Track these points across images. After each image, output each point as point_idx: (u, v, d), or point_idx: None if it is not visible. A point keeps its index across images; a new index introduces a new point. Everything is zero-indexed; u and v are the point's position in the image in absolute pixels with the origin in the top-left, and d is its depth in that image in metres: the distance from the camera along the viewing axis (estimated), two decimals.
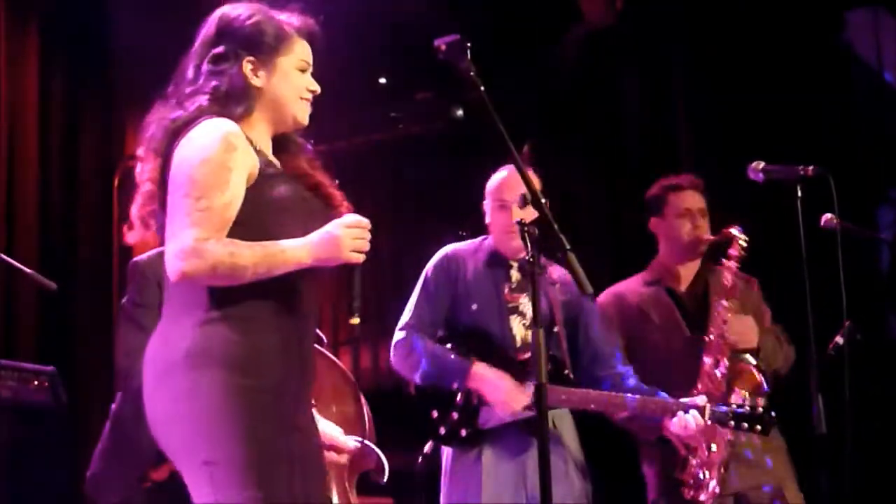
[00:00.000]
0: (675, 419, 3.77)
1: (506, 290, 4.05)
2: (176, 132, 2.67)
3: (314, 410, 3.11)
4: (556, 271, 4.02)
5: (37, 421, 4.75)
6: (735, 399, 3.97)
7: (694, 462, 4.03)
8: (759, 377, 4.04)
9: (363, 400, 4.05)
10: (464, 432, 3.95)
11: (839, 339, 4.12)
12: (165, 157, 2.67)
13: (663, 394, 3.91)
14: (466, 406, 3.95)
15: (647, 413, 3.87)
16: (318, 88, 2.85)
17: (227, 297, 2.60)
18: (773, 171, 4.08)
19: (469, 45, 2.81)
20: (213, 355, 2.56)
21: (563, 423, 3.99)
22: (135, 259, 4.05)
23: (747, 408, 3.81)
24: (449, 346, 4.01)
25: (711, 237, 4.31)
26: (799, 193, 3.97)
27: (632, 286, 4.46)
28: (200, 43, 2.80)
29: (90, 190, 6.25)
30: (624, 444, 4.45)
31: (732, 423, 3.81)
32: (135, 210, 2.75)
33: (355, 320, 2.73)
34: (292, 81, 2.81)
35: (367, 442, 3.92)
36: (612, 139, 6.68)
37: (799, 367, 4.19)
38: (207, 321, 2.60)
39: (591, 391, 3.89)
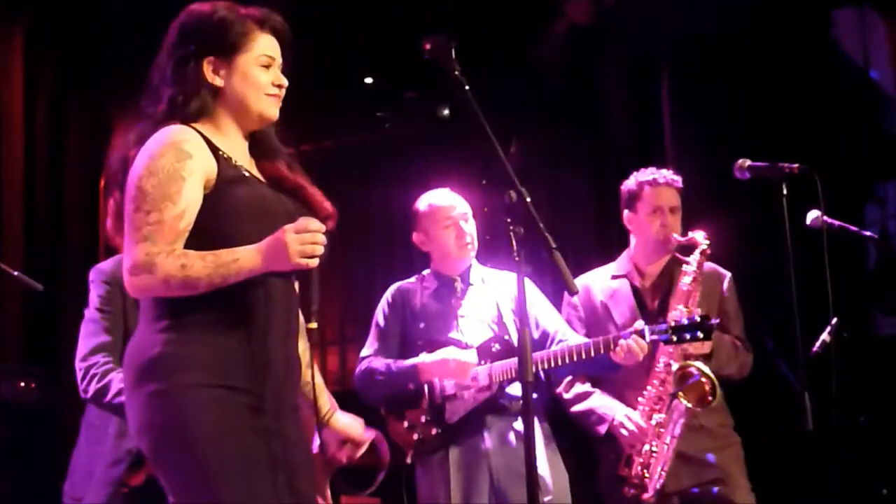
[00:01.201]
0: (617, 349, 3.78)
1: (452, 301, 4.20)
2: (137, 142, 2.67)
3: (329, 408, 3.08)
4: (502, 278, 4.23)
5: (23, 420, 4.75)
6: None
7: (638, 460, 4.06)
8: (707, 387, 4.03)
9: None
10: (434, 431, 4.05)
11: (826, 337, 4.13)
12: (125, 170, 2.66)
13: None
14: (431, 405, 4.08)
15: (595, 351, 3.85)
16: (284, 82, 2.82)
17: (192, 303, 2.58)
18: (759, 168, 4.09)
19: (455, 44, 2.80)
20: (179, 362, 2.56)
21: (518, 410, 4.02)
22: (97, 266, 4.06)
23: (684, 320, 3.79)
24: (392, 360, 4.18)
25: (679, 238, 4.28)
26: (784, 191, 3.97)
27: (599, 278, 4.46)
28: (166, 47, 2.80)
29: (76, 190, 6.24)
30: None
31: (675, 337, 3.79)
32: (109, 224, 2.75)
33: (312, 325, 2.71)
34: (253, 78, 2.76)
35: (376, 435, 3.92)
36: (597, 137, 6.69)
37: (786, 364, 4.19)
38: (172, 328, 2.59)
39: (541, 353, 3.95)
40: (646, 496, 4.05)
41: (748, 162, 4.11)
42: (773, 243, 4.14)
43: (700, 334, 3.78)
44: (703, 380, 4.01)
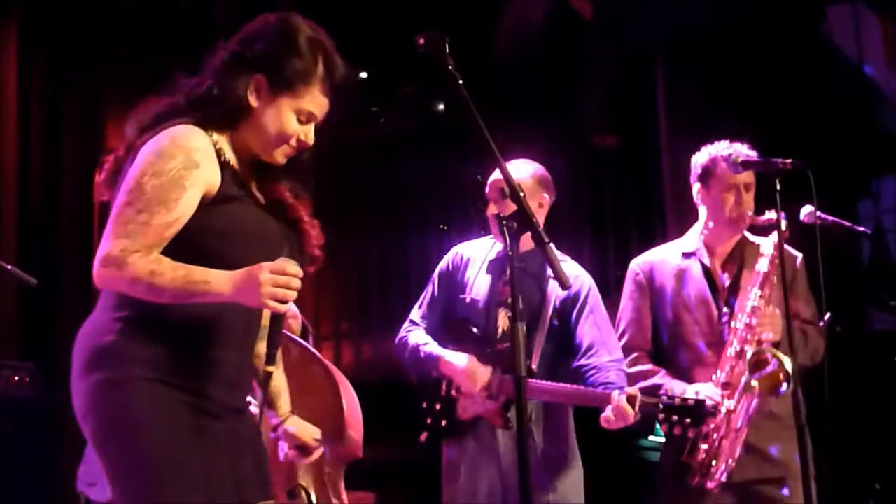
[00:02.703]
0: (603, 413, 3.77)
1: (500, 284, 4.10)
2: (145, 129, 2.61)
3: (287, 411, 3.08)
4: (567, 267, 4.03)
5: (17, 416, 4.75)
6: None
7: (703, 447, 4.00)
8: (781, 377, 3.95)
9: (346, 393, 4.06)
10: (444, 422, 4.05)
11: None
12: (131, 152, 2.61)
13: (613, 389, 3.87)
14: (447, 397, 4.06)
15: (588, 403, 3.84)
16: (309, 143, 2.73)
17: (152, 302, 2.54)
18: (752, 163, 4.07)
19: (448, 39, 2.80)
20: (129, 354, 2.53)
21: (540, 415, 4.00)
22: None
23: (677, 400, 3.75)
24: (428, 339, 4.13)
25: (755, 218, 4.13)
26: (778, 186, 3.96)
27: (668, 256, 4.31)
28: (242, 33, 2.70)
29: (71, 185, 6.24)
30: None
31: (662, 414, 3.76)
32: (102, 177, 2.70)
33: (270, 368, 2.64)
34: (284, 123, 2.67)
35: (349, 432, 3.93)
36: (591, 129, 6.71)
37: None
38: (129, 319, 2.56)
39: (541, 383, 3.90)
40: (710, 485, 3.96)
41: (741, 157, 4.10)
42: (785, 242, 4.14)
43: (688, 421, 3.73)
44: (778, 368, 3.94)
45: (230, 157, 2.65)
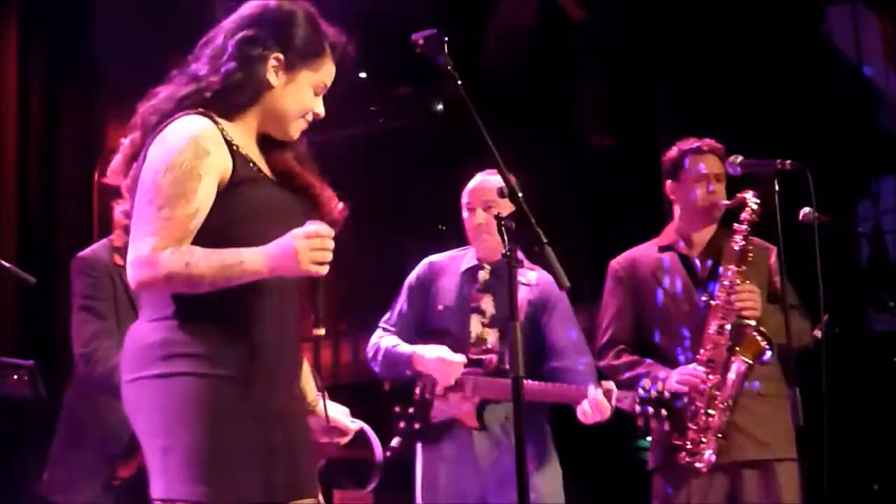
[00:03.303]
0: (579, 407, 3.80)
1: (472, 292, 4.16)
2: (165, 117, 2.61)
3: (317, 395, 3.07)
4: (529, 273, 4.14)
5: (16, 415, 4.74)
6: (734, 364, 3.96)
7: (692, 427, 4.03)
8: (763, 343, 4.00)
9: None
10: (417, 425, 4.07)
11: (817, 333, 4.14)
12: (147, 141, 2.61)
13: (589, 384, 3.89)
14: (421, 401, 4.09)
15: (564, 400, 3.87)
16: (322, 114, 2.77)
17: (199, 297, 2.54)
18: (751, 164, 4.09)
19: (446, 39, 2.80)
20: (182, 347, 2.53)
21: (511, 415, 4.01)
22: (79, 254, 4.03)
23: (653, 393, 3.78)
24: (400, 341, 4.17)
25: (727, 202, 4.22)
26: (776, 187, 3.97)
27: (646, 251, 4.39)
28: (239, 18, 2.71)
29: (70, 181, 6.23)
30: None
31: (638, 407, 3.79)
32: (123, 182, 2.69)
33: (320, 331, 2.67)
34: (303, 98, 2.72)
35: (366, 428, 3.93)
36: (588, 129, 6.71)
37: (777, 360, 4.18)
38: (176, 315, 2.57)
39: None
40: (700, 465, 4.00)
41: (740, 157, 4.11)
42: (766, 239, 4.15)
43: (664, 412, 3.78)
44: (758, 335, 3.99)
45: (238, 140, 2.65)
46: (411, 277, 4.28)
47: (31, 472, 4.74)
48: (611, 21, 6.53)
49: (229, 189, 2.59)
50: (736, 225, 4.17)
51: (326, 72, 2.76)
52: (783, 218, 3.99)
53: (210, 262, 2.49)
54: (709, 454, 3.98)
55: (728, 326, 4.04)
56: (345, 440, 3.12)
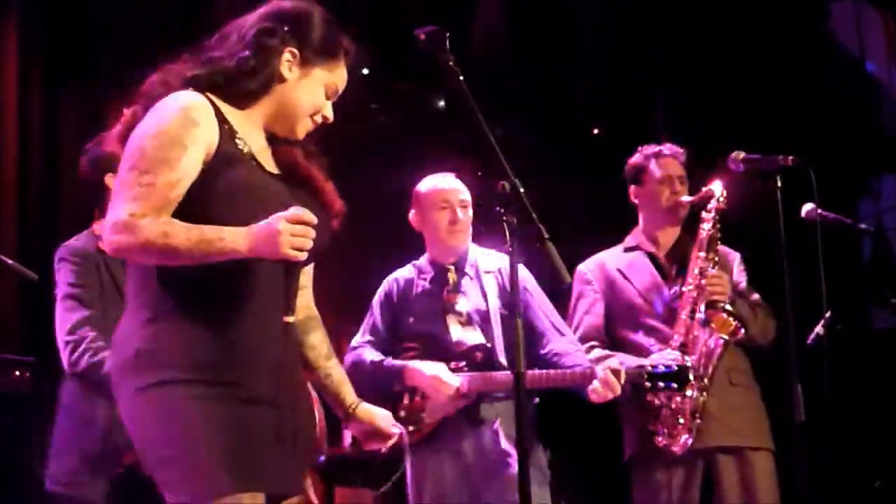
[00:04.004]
0: (590, 387, 3.82)
1: (444, 294, 4.18)
2: (167, 94, 2.58)
3: (354, 399, 3.04)
4: (494, 260, 4.19)
5: (18, 411, 4.74)
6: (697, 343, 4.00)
7: (666, 412, 4.06)
8: (735, 322, 4.05)
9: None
10: (411, 428, 4.02)
11: (819, 330, 4.14)
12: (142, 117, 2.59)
13: (593, 365, 3.92)
14: (411, 404, 4.07)
15: (570, 384, 3.90)
16: (331, 118, 2.77)
17: (176, 291, 2.53)
18: (753, 161, 4.09)
19: (449, 34, 2.80)
20: (160, 358, 2.50)
21: (506, 413, 4.01)
22: (65, 244, 4.03)
23: (661, 367, 3.83)
24: (384, 357, 4.16)
25: (691, 198, 4.30)
26: (779, 184, 3.97)
27: (612, 253, 4.48)
28: (258, 14, 2.71)
29: (70, 181, 6.22)
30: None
31: (648, 382, 3.85)
32: (117, 131, 2.66)
33: (290, 319, 2.66)
34: (315, 95, 2.71)
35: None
36: (589, 128, 6.70)
37: (779, 357, 4.19)
38: (154, 320, 2.53)
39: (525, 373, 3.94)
40: (676, 448, 4.04)
41: (742, 154, 4.11)
42: (768, 236, 4.14)
43: (675, 385, 3.84)
44: (730, 316, 4.05)
45: (236, 124, 2.64)
46: (379, 295, 4.29)
47: (34, 468, 4.74)
48: (610, 19, 6.52)
49: (212, 164, 2.56)
50: (703, 213, 4.24)
51: (339, 75, 2.76)
52: (785, 215, 3.99)
53: (189, 234, 2.45)
54: (685, 438, 4.03)
55: (700, 310, 4.09)
56: (388, 444, 3.10)
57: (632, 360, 4.09)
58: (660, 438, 4.07)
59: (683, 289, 4.16)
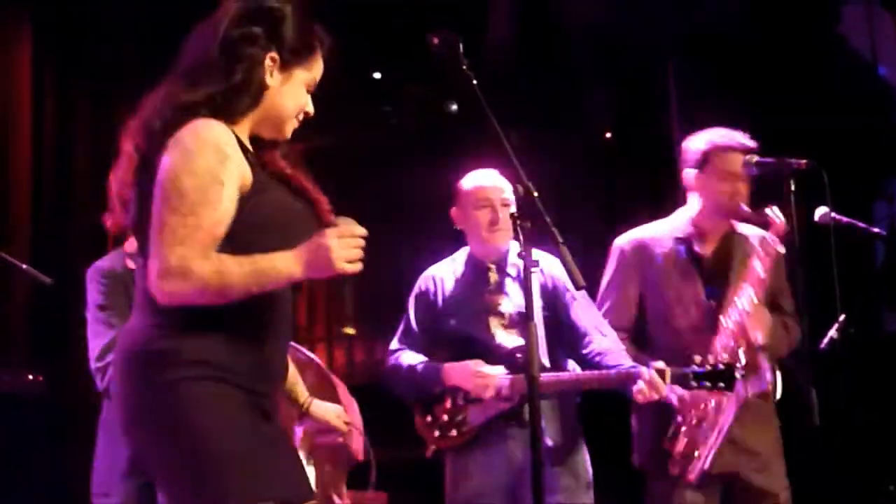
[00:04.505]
0: (635, 387, 3.76)
1: (484, 294, 4.10)
2: (169, 123, 2.50)
3: (307, 397, 3.06)
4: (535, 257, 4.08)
5: (29, 416, 4.75)
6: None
7: (684, 439, 4.00)
8: (766, 383, 4.01)
9: (343, 395, 4.06)
10: (454, 432, 4.00)
11: (833, 333, 4.12)
12: (154, 146, 2.50)
13: (638, 365, 3.85)
14: (454, 407, 4.02)
15: (613, 385, 3.84)
16: (312, 112, 2.72)
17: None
18: (766, 164, 4.06)
19: (461, 39, 2.80)
20: (186, 355, 2.45)
21: (553, 414, 3.99)
22: (94, 265, 4.05)
23: (707, 367, 3.74)
24: (424, 358, 4.09)
25: (749, 212, 4.12)
26: (792, 187, 3.95)
27: (658, 237, 4.26)
28: (230, 15, 2.61)
29: (83, 186, 6.24)
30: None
31: (694, 382, 3.75)
32: (115, 188, 2.60)
33: (350, 330, 2.66)
34: (299, 96, 2.67)
35: (356, 429, 3.91)
36: (604, 130, 6.70)
37: (793, 360, 4.18)
38: (179, 322, 2.47)
39: (560, 374, 3.92)
40: (690, 477, 3.97)
41: (756, 157, 4.08)
42: (782, 239, 4.13)
43: (722, 384, 3.74)
44: (771, 385, 4.01)
45: (247, 145, 2.60)
46: (414, 292, 4.21)
47: (45, 472, 4.75)
48: (624, 20, 6.51)
49: (250, 196, 2.52)
50: (758, 247, 4.12)
51: (317, 69, 2.70)
52: (798, 218, 3.98)
53: (242, 269, 2.42)
54: (699, 466, 3.97)
55: (742, 356, 3.96)
56: (342, 437, 3.12)
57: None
58: (674, 465, 4.00)
59: (723, 320, 4.05)
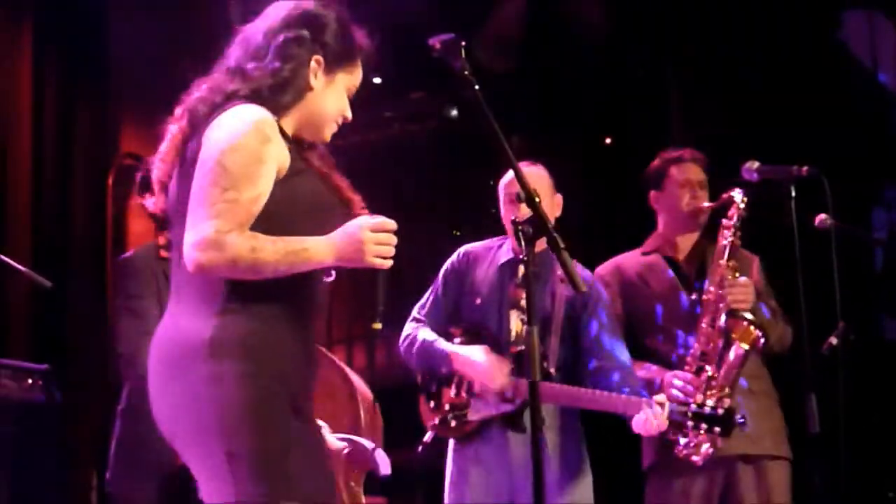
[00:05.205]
0: (636, 418, 3.75)
1: (511, 286, 4.08)
2: (216, 108, 2.58)
3: None
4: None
5: (31, 419, 4.75)
6: (729, 359, 3.93)
7: (690, 423, 4.01)
8: (756, 331, 4.01)
9: (363, 399, 4.06)
10: (454, 423, 4.00)
11: (833, 340, 4.12)
12: (198, 130, 2.58)
13: (644, 394, 3.85)
14: (458, 398, 4.01)
15: (613, 410, 3.82)
16: (350, 117, 2.79)
17: (245, 288, 2.52)
18: (767, 170, 4.08)
19: (464, 43, 2.80)
20: (232, 345, 2.48)
21: (554, 421, 3.98)
22: (122, 256, 4.08)
23: (707, 409, 3.74)
24: (437, 336, 4.08)
25: (710, 204, 4.26)
26: (793, 193, 3.96)
27: (630, 257, 4.44)
28: (277, 18, 2.71)
29: (84, 188, 6.24)
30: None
31: (690, 423, 3.75)
32: (156, 174, 2.67)
33: (378, 325, 2.66)
34: (339, 100, 2.75)
35: (357, 439, 3.92)
36: (606, 137, 6.69)
37: (793, 367, 4.18)
38: (225, 311, 2.51)
39: (564, 387, 3.89)
40: (696, 458, 3.98)
41: (757, 164, 4.11)
42: (782, 246, 4.13)
43: (718, 429, 3.73)
44: (752, 327, 4.00)
45: (288, 132, 2.66)
46: (447, 266, 4.20)
47: (47, 476, 4.74)
48: (624, 25, 6.52)
49: (286, 179, 2.57)
50: (724, 220, 4.19)
51: (357, 75, 2.79)
52: (799, 225, 3.98)
53: (276, 247, 2.47)
54: (706, 447, 3.97)
55: (721, 320, 4.04)
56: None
57: (653, 371, 4.08)
58: (680, 448, 4.00)
59: (704, 297, 4.12)
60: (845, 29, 6.52)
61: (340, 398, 3.89)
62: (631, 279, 4.35)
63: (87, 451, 4.08)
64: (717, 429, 3.73)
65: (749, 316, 4.02)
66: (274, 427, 2.48)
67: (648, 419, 3.71)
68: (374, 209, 2.75)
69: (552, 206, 4.04)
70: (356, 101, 2.84)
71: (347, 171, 2.82)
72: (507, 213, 4.08)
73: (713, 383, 3.99)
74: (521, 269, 4.05)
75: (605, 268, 4.44)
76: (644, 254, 4.41)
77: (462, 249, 4.24)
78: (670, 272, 4.32)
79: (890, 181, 6.31)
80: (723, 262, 4.12)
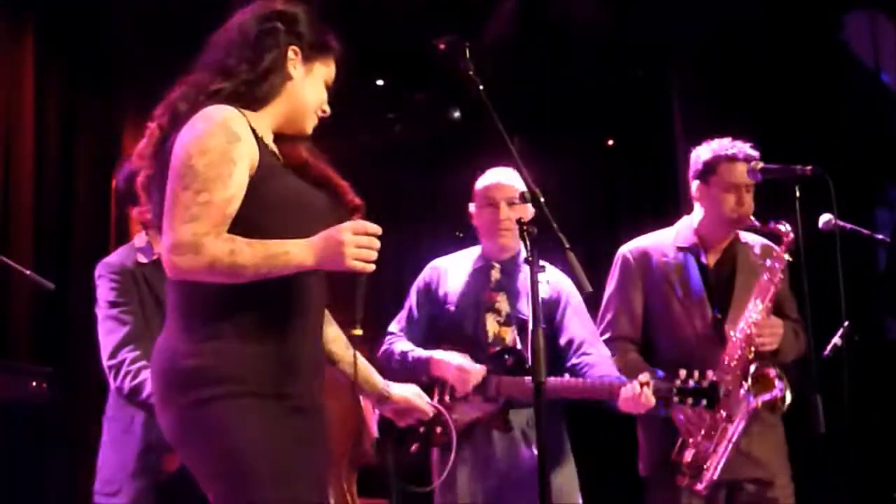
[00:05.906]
0: (622, 392, 3.74)
1: (486, 291, 4.13)
2: (196, 105, 2.59)
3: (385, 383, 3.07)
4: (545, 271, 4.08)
5: (33, 420, 4.75)
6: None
7: (692, 450, 4.00)
8: (778, 390, 4.00)
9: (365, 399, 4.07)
10: (438, 429, 4.02)
11: (837, 340, 4.11)
12: (178, 128, 2.57)
13: (623, 378, 3.85)
14: (440, 403, 4.03)
15: (598, 396, 3.83)
16: (328, 110, 2.81)
17: (232, 306, 2.52)
18: (771, 170, 4.06)
19: (468, 44, 2.80)
20: (216, 373, 2.49)
21: (531, 416, 3.99)
22: (103, 261, 4.03)
23: (691, 383, 3.72)
24: (413, 346, 4.15)
25: (756, 224, 4.14)
26: (797, 193, 3.95)
27: (661, 247, 4.28)
28: (251, 15, 2.73)
29: (86, 189, 6.24)
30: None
31: (676, 398, 3.73)
32: (140, 180, 2.67)
33: (357, 331, 2.64)
34: (319, 91, 2.77)
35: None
36: (607, 136, 6.69)
37: (798, 368, 4.17)
38: (213, 336, 2.51)
39: (549, 379, 3.87)
40: (698, 487, 3.97)
41: (761, 164, 4.09)
42: (790, 251, 4.12)
43: (704, 402, 3.73)
44: (778, 395, 3.99)
45: (261, 131, 2.65)
46: (418, 281, 4.26)
47: (50, 476, 4.74)
48: (625, 24, 6.52)
49: (257, 177, 2.56)
50: (770, 262, 4.13)
51: (332, 69, 2.81)
52: (803, 225, 3.97)
53: (255, 251, 2.45)
54: (708, 476, 3.96)
55: (747, 361, 4.01)
56: (425, 417, 3.14)
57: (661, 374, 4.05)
58: (682, 476, 3.99)
59: (732, 333, 4.06)
60: (847, 30, 6.52)
61: (347, 399, 3.88)
62: (659, 273, 4.23)
63: (89, 452, 4.06)
64: (704, 401, 3.73)
65: (780, 372, 3.99)
66: (260, 449, 2.48)
67: (634, 393, 3.71)
68: (375, 210, 2.74)
69: (525, 208, 4.00)
70: (357, 102, 2.84)
71: (347, 171, 2.81)
72: (487, 216, 4.11)
73: (726, 425, 3.99)
74: (494, 273, 4.15)
75: (633, 251, 4.30)
76: (678, 248, 4.26)
77: (432, 263, 4.30)
78: (700, 280, 4.19)
79: (892, 181, 6.31)
80: (759, 303, 4.07)
